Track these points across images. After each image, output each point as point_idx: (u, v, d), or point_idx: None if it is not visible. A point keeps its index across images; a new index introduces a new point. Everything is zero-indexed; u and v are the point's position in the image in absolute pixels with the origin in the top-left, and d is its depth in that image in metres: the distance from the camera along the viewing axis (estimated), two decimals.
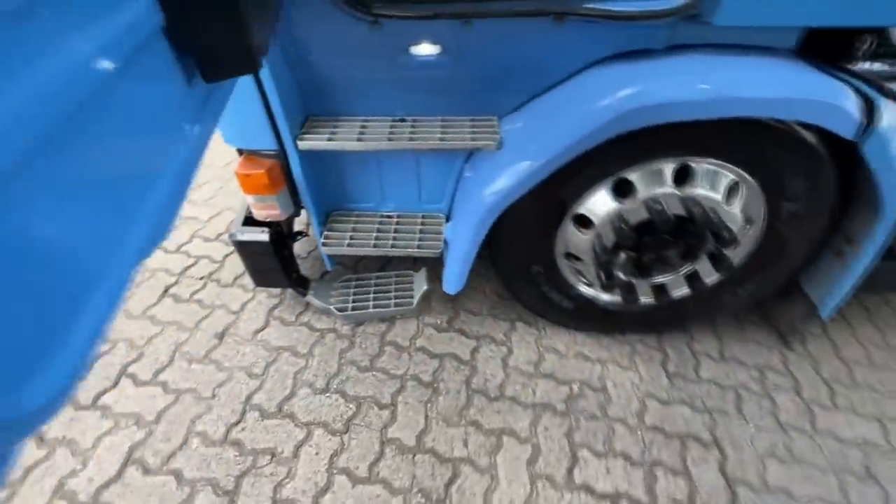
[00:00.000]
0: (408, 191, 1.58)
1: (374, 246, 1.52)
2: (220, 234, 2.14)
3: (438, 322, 1.79)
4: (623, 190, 1.31)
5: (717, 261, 1.38)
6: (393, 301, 1.72)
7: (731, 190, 1.29)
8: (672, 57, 1.15)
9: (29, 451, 1.35)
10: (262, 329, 1.74)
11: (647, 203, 1.29)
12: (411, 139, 1.30)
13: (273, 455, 1.37)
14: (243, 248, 1.50)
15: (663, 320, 1.70)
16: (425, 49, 1.19)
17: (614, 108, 1.12)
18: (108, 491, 1.28)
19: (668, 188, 1.27)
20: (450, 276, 1.51)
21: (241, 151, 1.38)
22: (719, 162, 1.23)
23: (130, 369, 1.59)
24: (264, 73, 1.16)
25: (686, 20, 1.09)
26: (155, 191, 0.50)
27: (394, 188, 1.58)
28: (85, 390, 1.52)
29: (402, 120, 1.40)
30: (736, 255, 1.42)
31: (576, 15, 1.08)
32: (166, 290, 1.87)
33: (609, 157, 1.24)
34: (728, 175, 1.26)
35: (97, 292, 0.40)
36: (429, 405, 1.52)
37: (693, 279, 1.48)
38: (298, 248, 1.97)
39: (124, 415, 1.45)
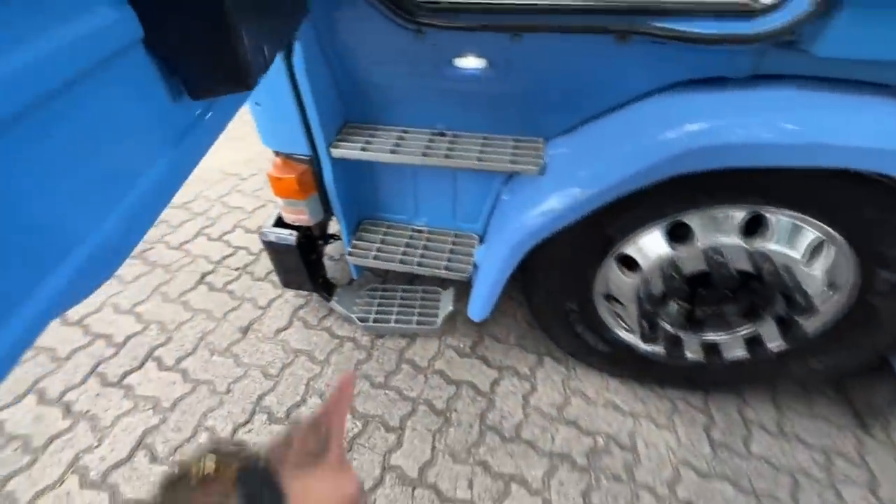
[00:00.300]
0: (442, 207, 1.50)
1: (401, 262, 1.46)
2: (260, 227, 2.17)
3: (461, 345, 1.70)
4: (679, 233, 1.15)
5: (787, 327, 1.18)
6: (416, 318, 1.65)
7: (815, 249, 1.09)
8: (756, 89, 0.98)
9: (55, 420, 1.42)
10: (285, 329, 1.73)
11: (706, 253, 1.12)
12: (447, 156, 1.22)
13: None
14: (271, 248, 1.49)
15: (712, 380, 1.50)
16: (470, 62, 1.10)
17: (680, 143, 0.96)
18: (116, 472, 1.31)
19: (735, 239, 1.10)
20: (476, 301, 1.41)
21: (278, 153, 1.37)
22: (802, 216, 1.04)
23: (157, 352, 1.63)
24: (301, 77, 1.12)
25: (779, 47, 0.92)
26: (122, 203, 0.47)
27: (428, 202, 1.51)
28: (115, 367, 1.58)
29: (442, 134, 1.32)
30: (811, 324, 1.21)
31: (643, 34, 0.95)
32: (203, 277, 1.92)
33: (667, 197, 1.08)
34: (812, 232, 1.06)
35: (38, 291, 0.38)
36: (437, 435, 1.43)
37: (754, 343, 1.28)
38: (331, 249, 1.95)
39: (144, 398, 1.49)
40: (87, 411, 1.45)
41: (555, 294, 1.38)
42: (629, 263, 1.24)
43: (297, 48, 1.06)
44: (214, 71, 0.49)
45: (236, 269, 1.97)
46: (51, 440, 1.38)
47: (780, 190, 1.02)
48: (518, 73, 1.10)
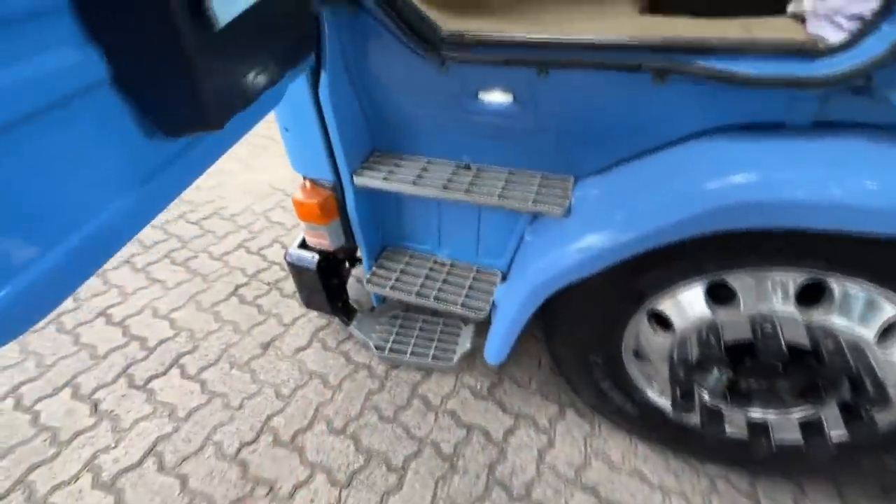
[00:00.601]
0: (466, 240, 1.45)
1: (417, 294, 1.41)
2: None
3: (478, 385, 1.60)
4: (722, 293, 1.01)
5: (853, 416, 0.99)
6: (432, 352, 1.59)
7: (892, 328, 0.91)
8: (821, 139, 0.84)
9: (83, 417, 1.50)
10: (304, 349, 1.73)
11: (753, 321, 0.97)
12: (467, 191, 1.17)
13: (271, 489, 1.32)
14: (293, 269, 1.50)
15: (759, 462, 1.30)
16: (495, 96, 1.05)
17: (724, 196, 0.85)
18: (125, 477, 1.34)
19: (789, 307, 0.94)
20: (492, 343, 1.33)
21: (305, 177, 1.38)
22: (877, 287, 0.87)
23: (183, 360, 1.69)
24: (326, 106, 1.12)
25: (848, 91, 0.79)
26: (81, 230, 0.48)
27: (451, 235, 1.46)
28: (143, 370, 1.65)
29: (468, 167, 1.27)
30: (886, 417, 1.00)
31: (684, 73, 0.85)
32: (236, 289, 1.99)
33: (707, 252, 0.96)
34: (891, 307, 0.89)
35: None
36: (441, 482, 1.34)
37: (811, 428, 1.09)
38: (358, 272, 1.95)
39: (163, 404, 1.54)
40: (112, 411, 1.52)
41: (577, 343, 1.27)
42: (664, 320, 1.11)
43: (324, 78, 1.07)
44: (179, 112, 0.48)
45: (268, 284, 2.02)
46: (75, 436, 1.45)
47: (849, 256, 0.86)
48: (545, 110, 1.04)
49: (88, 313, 1.87)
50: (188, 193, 2.59)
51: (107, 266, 2.09)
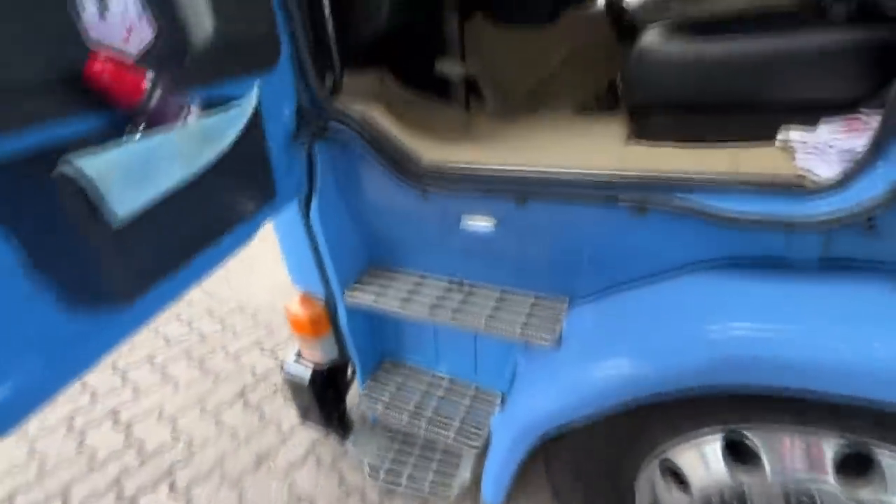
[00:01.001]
0: (463, 357, 1.36)
1: (409, 419, 1.31)
2: None
3: None
4: (746, 450, 0.85)
5: None
6: (429, 482, 1.43)
7: None
8: (828, 282, 0.73)
9: None
10: (297, 465, 1.63)
11: (786, 492, 0.79)
12: (455, 315, 1.12)
13: None
14: (287, 382, 1.46)
15: None
16: (478, 222, 1.04)
17: (721, 348, 0.74)
18: None
19: (827, 479, 0.76)
20: (487, 478, 1.18)
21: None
22: None
23: (175, 472, 1.63)
24: (317, 227, 1.15)
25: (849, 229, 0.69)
26: None
27: (448, 351, 1.39)
28: (133, 482, 1.60)
29: (460, 284, 1.23)
30: None
31: (662, 208, 0.80)
32: (242, 392, 1.96)
33: (719, 403, 0.82)
34: None
35: None
36: None
37: None
38: None
39: None
40: None
41: (582, 491, 1.09)
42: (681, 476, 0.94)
43: (315, 204, 1.11)
44: (88, 291, 0.48)
45: (274, 386, 1.98)
46: None
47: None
48: (528, 236, 1.00)
49: (100, 412, 1.89)
50: (218, 288, 2.72)
51: (128, 363, 2.16)
